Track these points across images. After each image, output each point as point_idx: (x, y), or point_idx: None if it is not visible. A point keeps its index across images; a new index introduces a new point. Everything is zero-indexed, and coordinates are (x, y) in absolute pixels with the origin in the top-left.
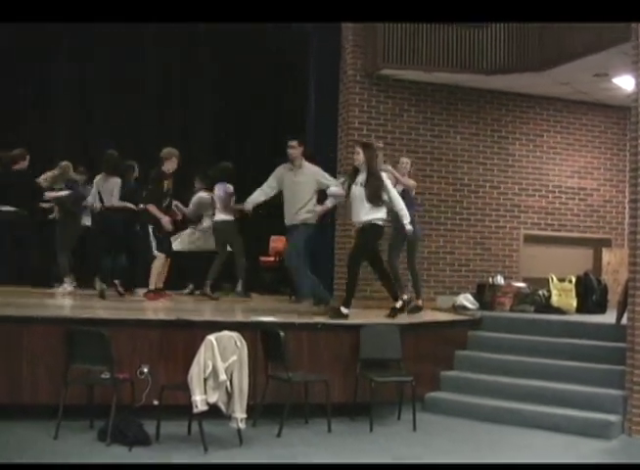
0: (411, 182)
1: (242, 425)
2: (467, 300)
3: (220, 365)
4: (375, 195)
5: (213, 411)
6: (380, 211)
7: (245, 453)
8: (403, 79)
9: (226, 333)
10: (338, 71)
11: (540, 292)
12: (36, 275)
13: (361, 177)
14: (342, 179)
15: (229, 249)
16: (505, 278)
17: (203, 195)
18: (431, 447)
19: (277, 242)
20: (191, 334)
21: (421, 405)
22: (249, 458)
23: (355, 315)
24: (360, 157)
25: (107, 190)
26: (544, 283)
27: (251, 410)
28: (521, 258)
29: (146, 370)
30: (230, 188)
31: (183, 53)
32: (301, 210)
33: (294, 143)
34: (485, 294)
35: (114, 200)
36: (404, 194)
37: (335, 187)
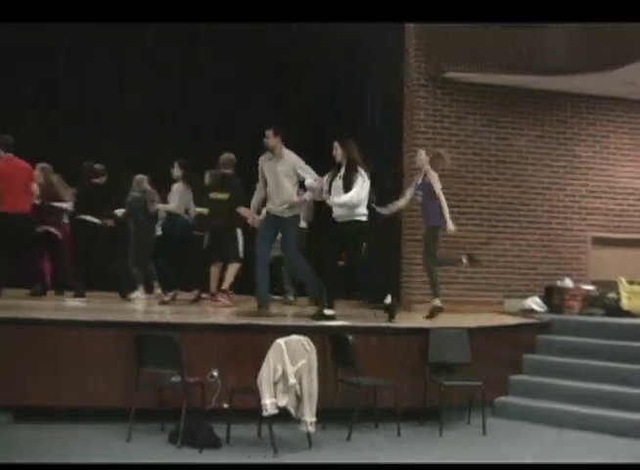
0: (433, 179)
1: (311, 428)
2: (535, 303)
3: (290, 369)
4: (348, 188)
5: (283, 415)
6: (362, 207)
7: (314, 457)
8: (467, 82)
9: (295, 337)
10: (401, 75)
11: (610, 295)
12: (111, 283)
13: (342, 171)
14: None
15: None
16: (573, 281)
17: None
18: (500, 452)
19: None
20: (260, 338)
21: (490, 410)
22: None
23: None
24: (339, 152)
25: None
26: (613, 286)
27: (320, 414)
28: (589, 260)
29: (216, 374)
30: None
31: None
32: (286, 202)
33: (269, 132)
34: (554, 297)
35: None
36: (425, 188)
37: (311, 180)
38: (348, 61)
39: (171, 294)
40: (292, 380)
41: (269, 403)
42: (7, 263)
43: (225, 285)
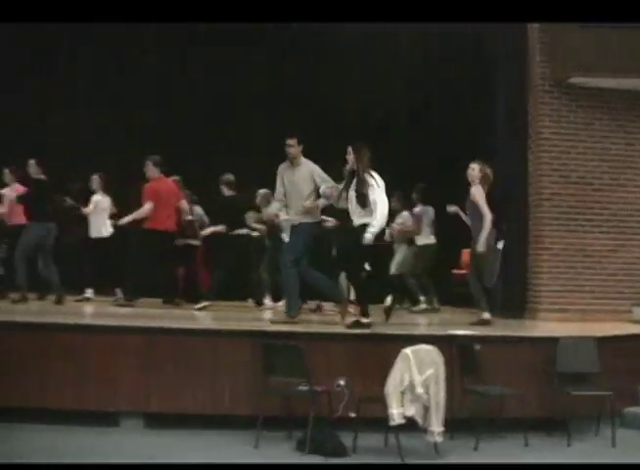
0: (477, 193)
1: (438, 438)
2: None
3: (417, 378)
4: (359, 198)
5: (410, 424)
6: (369, 217)
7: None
8: (593, 87)
9: (423, 346)
10: (525, 82)
11: None
12: (248, 291)
13: (355, 180)
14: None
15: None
16: None
17: None
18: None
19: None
20: (387, 347)
21: (619, 420)
22: None
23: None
24: (351, 157)
25: None
26: None
27: (447, 424)
28: None
29: (343, 383)
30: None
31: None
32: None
33: (292, 141)
34: None
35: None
36: (472, 208)
37: (325, 188)
38: (470, 65)
39: (315, 303)
40: (419, 390)
41: (396, 413)
42: (146, 275)
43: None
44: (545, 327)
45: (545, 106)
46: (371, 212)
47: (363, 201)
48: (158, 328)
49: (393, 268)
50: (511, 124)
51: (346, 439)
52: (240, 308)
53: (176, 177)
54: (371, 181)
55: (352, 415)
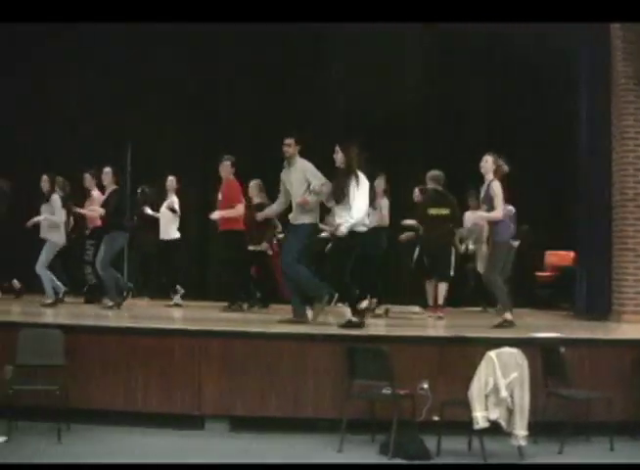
0: (495, 187)
1: (522, 442)
2: None
3: (501, 382)
4: (335, 194)
5: (494, 428)
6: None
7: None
8: None
9: (507, 349)
10: (608, 80)
11: None
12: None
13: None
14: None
15: None
16: None
17: None
18: None
19: (553, 257)
20: (470, 350)
21: None
22: None
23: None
24: (339, 156)
25: None
26: None
27: (531, 427)
28: None
29: (426, 386)
30: None
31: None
32: (298, 209)
33: (289, 141)
34: None
35: None
36: (488, 202)
37: (315, 184)
38: (552, 65)
39: (384, 307)
40: (503, 393)
41: (480, 416)
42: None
43: (440, 300)
44: (630, 330)
45: (629, 104)
46: (348, 210)
47: (338, 196)
48: (241, 332)
49: (481, 269)
50: (594, 124)
51: (430, 442)
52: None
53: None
54: (352, 179)
55: (436, 418)
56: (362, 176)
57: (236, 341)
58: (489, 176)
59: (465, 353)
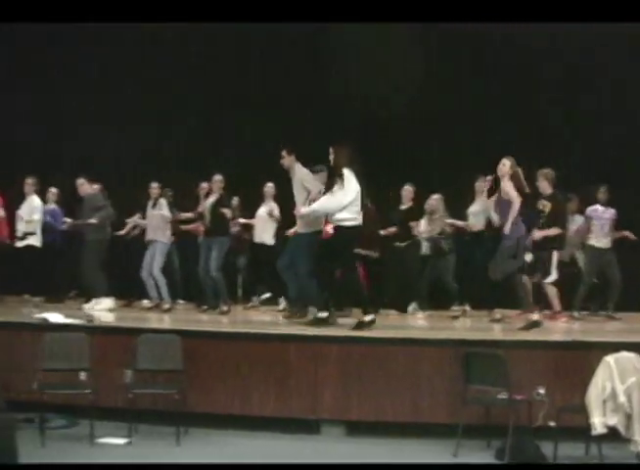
0: (505, 186)
1: None
2: None
3: (619, 387)
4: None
5: (612, 434)
6: (346, 212)
7: None
8: None
9: (625, 354)
10: None
11: None
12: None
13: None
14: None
15: None
16: None
17: None
18: None
19: None
20: (587, 355)
21: None
22: None
23: None
24: (332, 158)
25: None
26: None
27: None
28: None
29: (542, 391)
30: None
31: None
32: (302, 219)
33: (282, 153)
34: None
35: None
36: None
37: (314, 194)
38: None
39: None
40: (621, 398)
41: (598, 422)
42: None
43: (556, 305)
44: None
45: None
46: (347, 209)
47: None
48: (358, 337)
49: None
50: None
51: (547, 448)
52: (437, 318)
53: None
54: (338, 179)
55: (552, 424)
56: (349, 175)
57: (352, 346)
58: (505, 180)
59: (582, 358)
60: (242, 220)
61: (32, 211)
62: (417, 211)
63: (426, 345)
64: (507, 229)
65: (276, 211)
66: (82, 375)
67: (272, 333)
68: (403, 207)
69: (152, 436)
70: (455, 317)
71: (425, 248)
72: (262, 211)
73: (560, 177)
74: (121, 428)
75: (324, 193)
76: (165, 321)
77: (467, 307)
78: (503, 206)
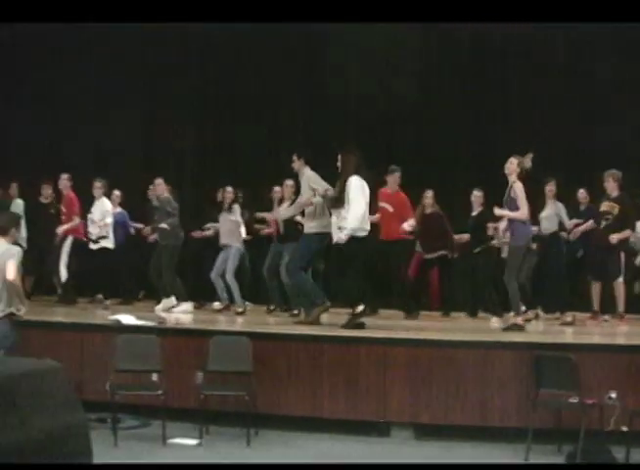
0: (518, 188)
1: None
2: None
3: None
4: (333, 200)
5: None
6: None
7: None
8: None
9: None
10: None
11: None
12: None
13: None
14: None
15: None
16: None
17: None
18: None
19: None
20: None
21: None
22: None
23: None
24: (338, 165)
25: None
26: None
27: None
28: None
29: (614, 395)
30: None
31: None
32: (309, 217)
33: (293, 157)
34: None
35: None
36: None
37: (320, 190)
38: None
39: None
40: None
41: None
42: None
43: (620, 306)
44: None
45: None
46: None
47: (335, 202)
48: (427, 340)
49: None
50: None
51: (618, 453)
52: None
53: None
54: (351, 186)
55: (624, 429)
56: (355, 181)
57: (422, 348)
58: (512, 178)
59: None
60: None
61: (104, 214)
62: (488, 216)
63: (496, 347)
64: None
65: None
66: (154, 376)
67: (342, 335)
68: (474, 213)
69: (222, 437)
70: (526, 320)
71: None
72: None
73: None
74: (192, 429)
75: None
76: (236, 323)
77: (538, 311)
78: (511, 205)
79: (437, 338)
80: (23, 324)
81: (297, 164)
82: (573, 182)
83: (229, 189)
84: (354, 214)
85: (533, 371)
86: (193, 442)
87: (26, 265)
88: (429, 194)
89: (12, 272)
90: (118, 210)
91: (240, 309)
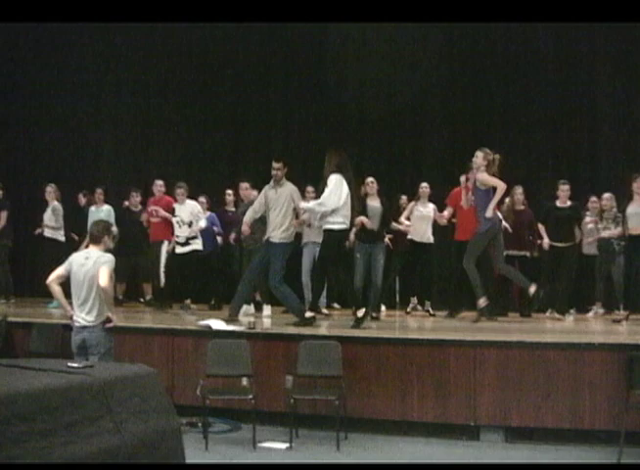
0: (483, 176)
1: None
2: None
3: None
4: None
5: None
6: (332, 215)
7: None
8: None
9: None
10: None
11: None
12: None
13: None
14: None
15: None
16: None
17: None
18: None
19: None
20: None
21: None
22: None
23: None
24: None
25: None
26: None
27: None
28: None
29: None
30: None
31: None
32: (280, 227)
33: (278, 164)
34: None
35: None
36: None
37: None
38: None
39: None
40: None
41: None
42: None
43: None
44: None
45: None
46: (333, 213)
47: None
48: (517, 342)
49: None
50: None
51: None
52: (599, 321)
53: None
54: (332, 181)
55: None
56: (335, 179)
57: (512, 350)
58: (479, 171)
59: None
60: (407, 222)
61: (196, 216)
62: (577, 210)
63: (587, 349)
64: (489, 213)
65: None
66: (244, 381)
67: (432, 338)
68: (560, 205)
69: (312, 440)
70: (617, 321)
71: (591, 248)
72: (421, 210)
73: None
74: (282, 433)
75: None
76: (325, 327)
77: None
78: (479, 195)
79: (528, 340)
80: (116, 330)
81: (281, 172)
82: None
83: (309, 188)
84: (326, 199)
85: (626, 372)
86: (283, 445)
87: (117, 272)
88: (519, 190)
89: (105, 279)
90: (207, 213)
91: (326, 312)
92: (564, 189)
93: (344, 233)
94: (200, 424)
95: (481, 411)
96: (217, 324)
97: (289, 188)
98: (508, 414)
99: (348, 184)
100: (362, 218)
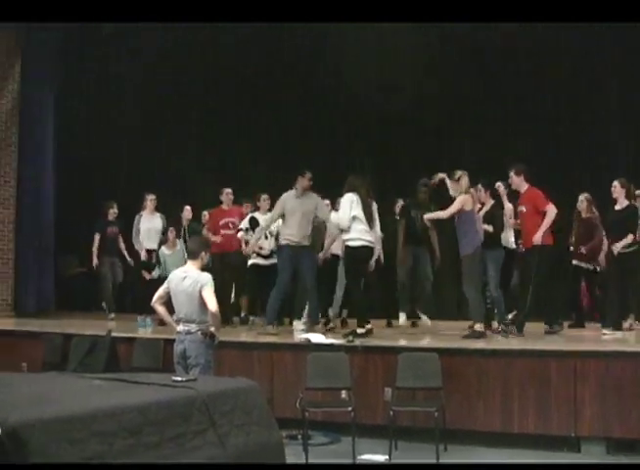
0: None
1: None
2: None
3: None
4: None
5: None
6: (349, 232)
7: None
8: None
9: None
10: None
11: None
12: None
13: None
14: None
15: None
16: None
17: None
18: None
19: None
20: None
21: None
22: None
23: None
24: None
25: None
26: None
27: None
28: None
29: None
30: None
31: None
32: (307, 235)
33: (308, 175)
34: None
35: None
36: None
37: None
38: None
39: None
40: None
41: None
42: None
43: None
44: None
45: None
46: (351, 229)
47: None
48: (618, 352)
49: None
50: None
51: None
52: None
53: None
54: (345, 201)
55: None
56: (346, 196)
57: (614, 360)
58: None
59: None
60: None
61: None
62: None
63: None
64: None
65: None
66: (343, 393)
67: (532, 349)
68: (618, 207)
69: (411, 452)
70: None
71: None
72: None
73: None
74: (381, 445)
75: None
76: (422, 339)
77: None
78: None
79: (629, 349)
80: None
81: (308, 183)
82: None
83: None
84: (336, 216)
85: None
86: (382, 458)
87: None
88: (583, 198)
89: (214, 304)
90: None
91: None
92: (616, 186)
93: (359, 250)
94: (299, 436)
95: (583, 422)
96: (316, 337)
97: (315, 199)
98: (610, 425)
99: (363, 203)
100: None
